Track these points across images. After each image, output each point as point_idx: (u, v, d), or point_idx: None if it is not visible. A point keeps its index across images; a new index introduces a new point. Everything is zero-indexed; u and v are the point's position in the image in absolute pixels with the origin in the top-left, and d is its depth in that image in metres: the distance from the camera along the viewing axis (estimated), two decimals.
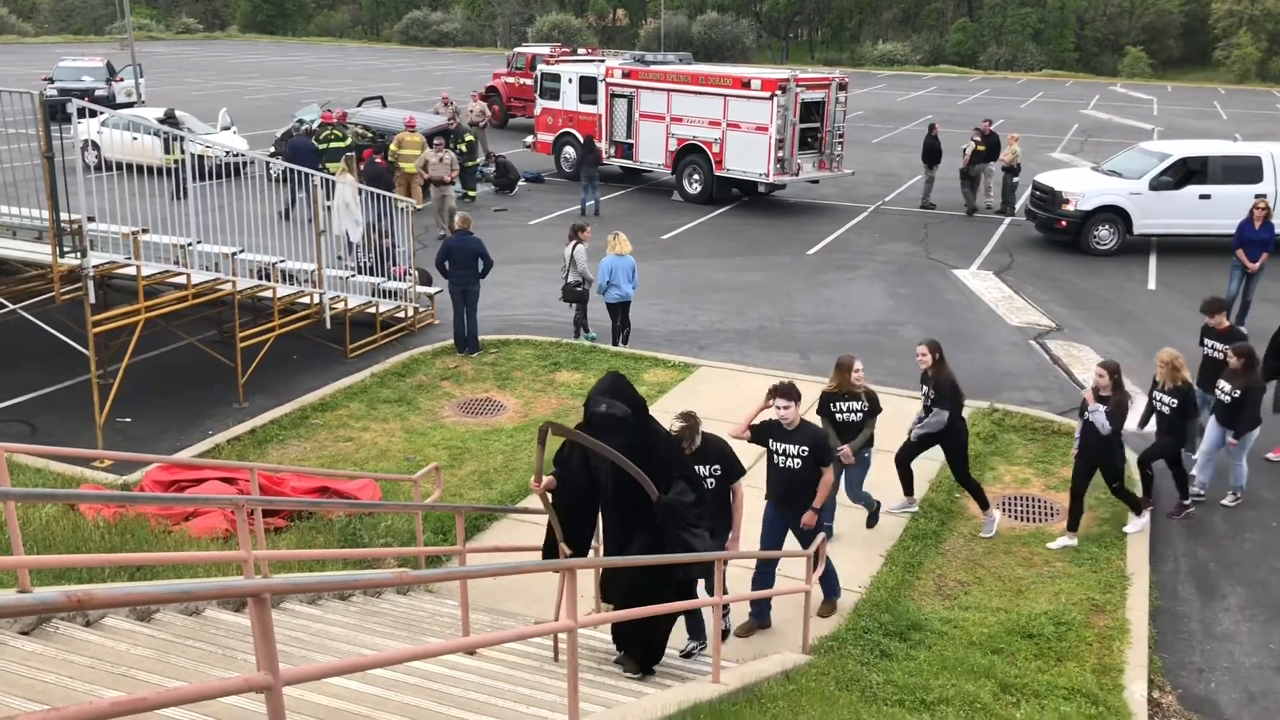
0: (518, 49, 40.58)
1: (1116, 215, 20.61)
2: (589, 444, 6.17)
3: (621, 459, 6.15)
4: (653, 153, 25.75)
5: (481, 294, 14.86)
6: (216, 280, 12.72)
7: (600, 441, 6.22)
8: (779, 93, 23.29)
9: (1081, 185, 21.23)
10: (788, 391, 8.24)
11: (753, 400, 9.13)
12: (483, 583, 8.39)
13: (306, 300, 14.04)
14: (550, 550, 6.70)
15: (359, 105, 28.22)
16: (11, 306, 12.05)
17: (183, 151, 13.39)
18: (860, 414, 9.62)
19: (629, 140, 26.15)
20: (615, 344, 14.95)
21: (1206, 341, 11.55)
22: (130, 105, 34.48)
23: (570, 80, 27.31)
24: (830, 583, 8.65)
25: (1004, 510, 10.57)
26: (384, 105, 28.74)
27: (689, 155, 25.10)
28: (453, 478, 10.89)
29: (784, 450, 8.24)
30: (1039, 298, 17.78)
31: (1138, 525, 10.10)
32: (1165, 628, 8.68)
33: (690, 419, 7.65)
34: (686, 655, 7.62)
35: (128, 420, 12.15)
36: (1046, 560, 9.65)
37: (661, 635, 7.03)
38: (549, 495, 6.50)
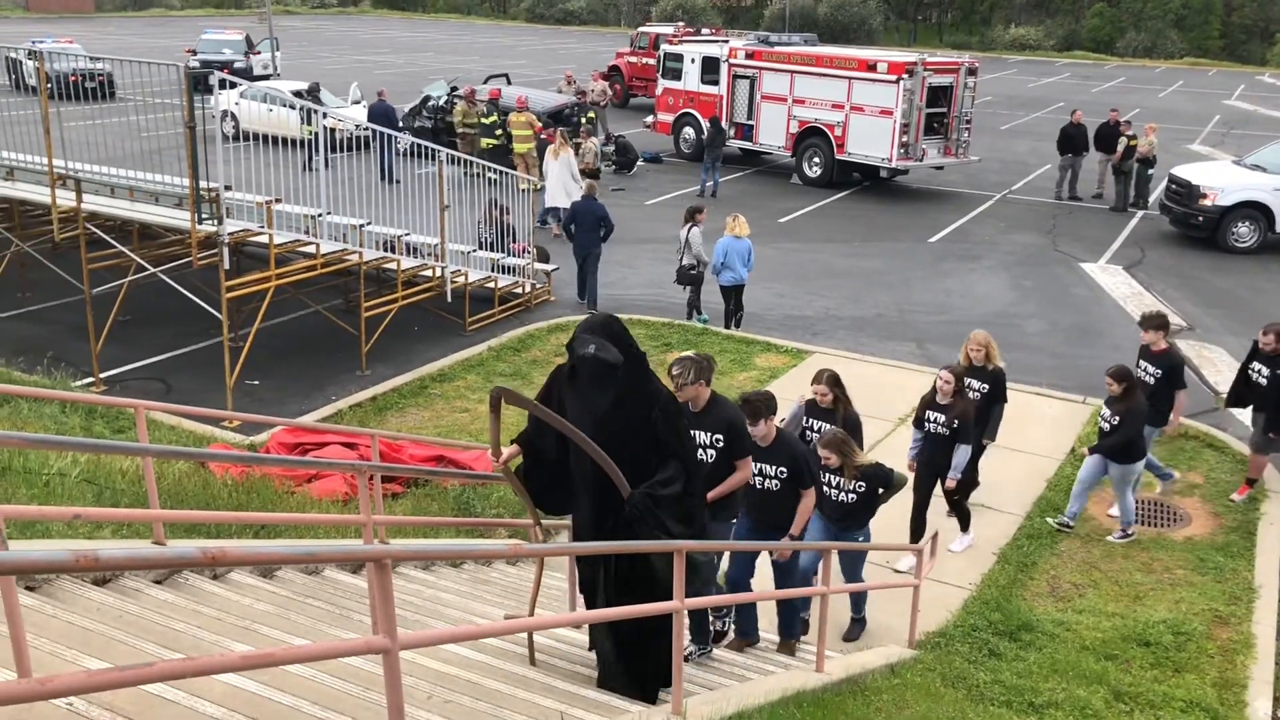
0: (641, 28, 40.59)
1: (1258, 212, 19.69)
2: (545, 416, 5.04)
3: (581, 437, 4.95)
4: (773, 135, 25.53)
5: (597, 272, 15.08)
6: (344, 251, 13.09)
7: (584, 396, 5.21)
8: (906, 76, 22.85)
9: (1221, 179, 20.33)
10: (756, 409, 6.97)
11: (866, 391, 9.03)
12: None
13: (429, 273, 14.36)
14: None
15: (484, 83, 28.59)
16: (152, 270, 12.61)
17: (314, 125, 13.77)
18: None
19: (750, 122, 25.97)
20: (728, 327, 14.92)
21: (1140, 363, 10.28)
22: (266, 78, 35.56)
23: (693, 60, 27.23)
24: (791, 621, 7.53)
25: None
26: (509, 83, 29.06)
27: (810, 138, 24.82)
28: None
29: (760, 470, 7.05)
30: (1170, 295, 17.12)
31: (963, 543, 9.45)
32: None
33: (700, 357, 6.61)
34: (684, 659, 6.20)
35: (256, 383, 12.60)
36: (1167, 567, 9.32)
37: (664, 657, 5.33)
38: (516, 470, 5.53)
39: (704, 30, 40.43)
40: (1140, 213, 22.94)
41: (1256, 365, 10.32)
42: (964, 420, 8.76)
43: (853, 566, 8.00)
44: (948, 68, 24.21)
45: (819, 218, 22.15)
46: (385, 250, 13.89)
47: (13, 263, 14.59)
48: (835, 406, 8.19)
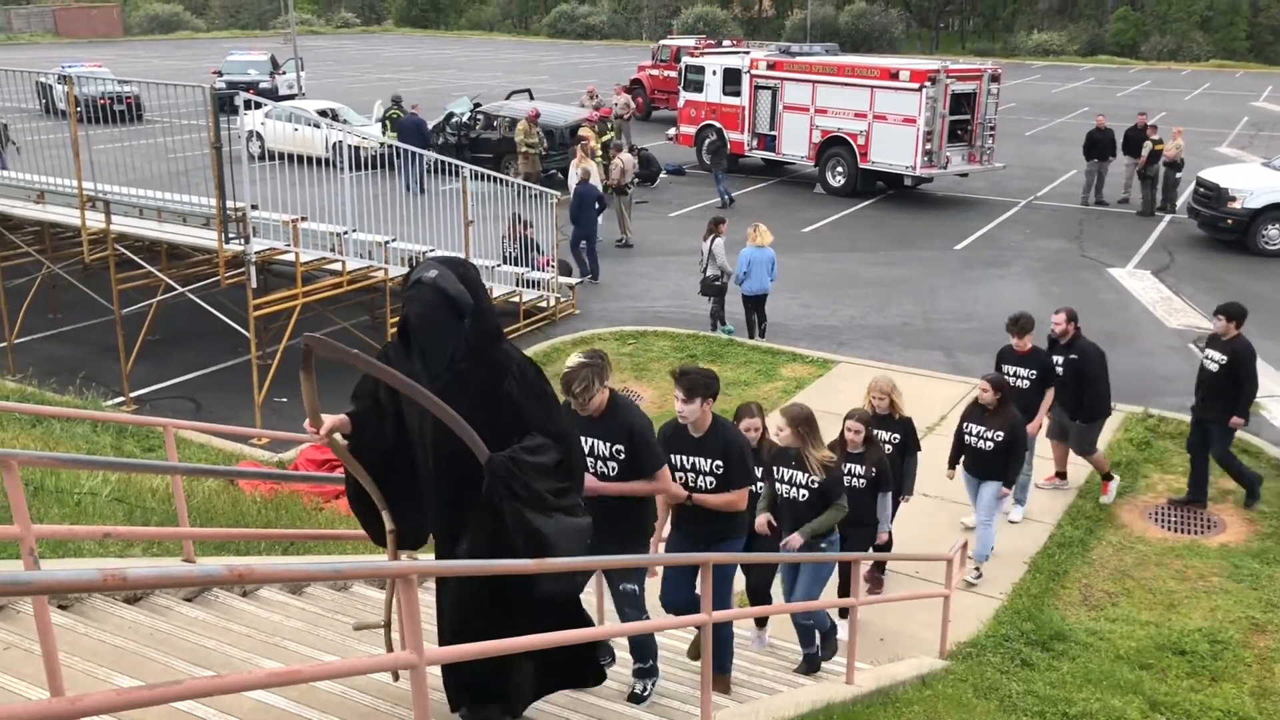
0: (662, 41, 40.70)
1: None
2: (376, 371, 3.85)
3: (424, 394, 3.82)
4: (796, 145, 25.51)
5: (620, 285, 15.27)
6: (370, 268, 13.18)
7: (416, 362, 4.17)
8: (928, 84, 22.79)
9: (1250, 182, 20.13)
10: (690, 386, 5.82)
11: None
12: None
13: None
14: (372, 523, 4.38)
15: (507, 98, 28.75)
16: (180, 289, 12.74)
17: (387, 128, 13.88)
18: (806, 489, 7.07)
19: (772, 132, 25.97)
20: (752, 337, 14.90)
21: (1005, 367, 9.66)
22: (291, 97, 35.89)
23: (714, 72, 27.27)
24: (724, 653, 6.16)
25: (1157, 520, 10.13)
26: (531, 98, 29.20)
27: (833, 147, 24.78)
28: None
29: (691, 465, 5.95)
30: (1199, 299, 16.95)
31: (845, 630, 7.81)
32: None
33: (593, 358, 5.27)
34: (637, 700, 5.52)
35: (284, 400, 12.69)
36: (1202, 574, 9.21)
37: (528, 682, 4.57)
38: (341, 440, 4.23)
39: (725, 42, 40.48)
40: (1168, 217, 22.74)
41: (1008, 368, 9.70)
42: (881, 468, 7.81)
43: (811, 581, 7.05)
44: (971, 74, 24.13)
45: (843, 227, 22.10)
46: (411, 266, 13.96)
47: (44, 284, 14.77)
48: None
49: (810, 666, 7.13)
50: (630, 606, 5.58)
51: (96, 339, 14.56)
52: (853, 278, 18.28)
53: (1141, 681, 7.39)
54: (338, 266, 12.90)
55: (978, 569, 9.01)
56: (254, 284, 11.94)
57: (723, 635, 6.10)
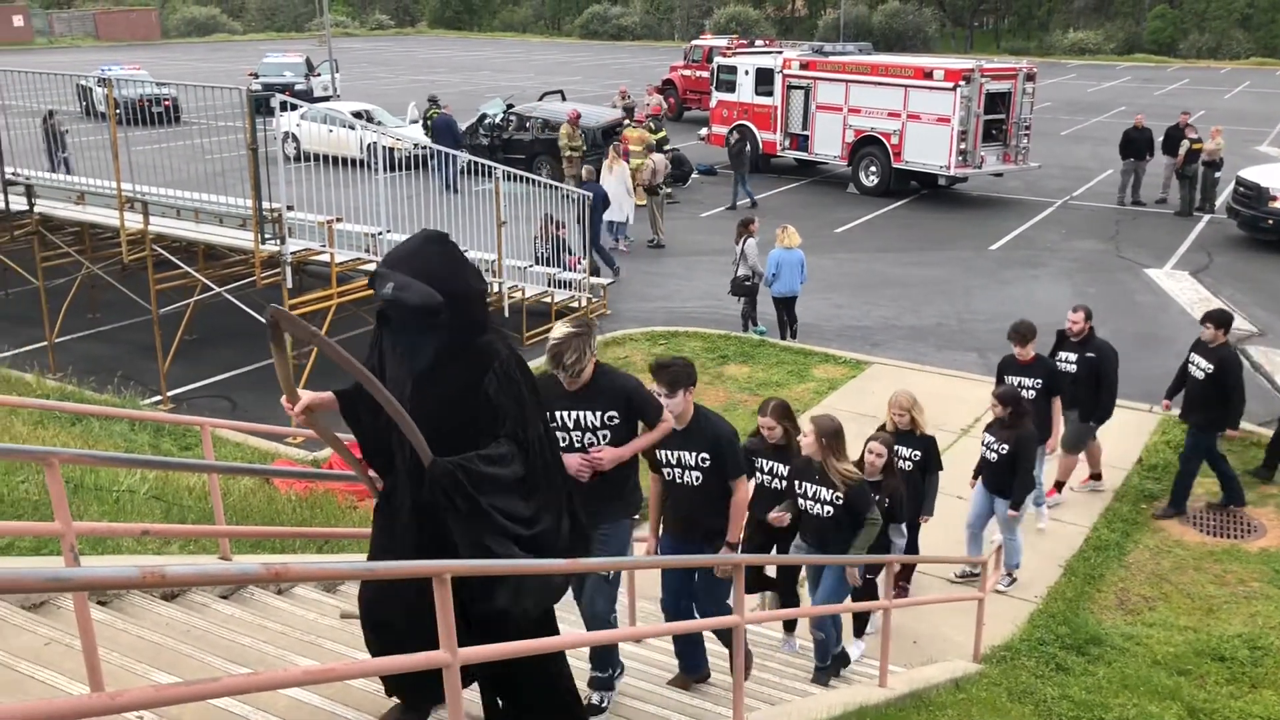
0: (695, 41, 40.67)
1: None
2: (330, 351, 3.48)
3: (372, 382, 3.53)
4: (829, 144, 25.42)
5: (651, 285, 15.32)
6: None
7: (398, 349, 3.89)
8: (963, 83, 22.65)
9: None
10: (671, 378, 5.50)
11: (927, 402, 8.87)
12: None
13: None
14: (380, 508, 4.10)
15: (540, 99, 28.83)
16: (217, 289, 12.87)
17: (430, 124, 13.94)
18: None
19: (804, 132, 25.89)
20: (783, 338, 14.86)
21: (1008, 378, 9.32)
22: (326, 99, 36.17)
23: (746, 72, 27.22)
24: (693, 653, 5.95)
25: (1195, 525, 10.00)
26: (563, 99, 29.27)
27: (866, 147, 24.68)
28: None
29: (677, 459, 5.65)
30: (1239, 300, 16.73)
31: (859, 649, 7.85)
32: None
33: (581, 326, 5.01)
34: (595, 712, 5.16)
35: None
36: (1241, 579, 9.09)
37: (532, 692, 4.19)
38: (320, 419, 3.94)
39: (758, 42, 40.38)
40: (1207, 217, 22.46)
41: (1012, 379, 9.37)
42: (896, 498, 7.42)
43: (832, 592, 6.76)
44: (1005, 74, 23.95)
45: (876, 227, 22.00)
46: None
47: (84, 284, 14.96)
48: (787, 441, 6.98)
49: (825, 675, 6.85)
50: (602, 596, 5.20)
51: (134, 338, 14.74)
52: (886, 278, 18.19)
53: (1180, 687, 7.29)
54: (372, 267, 12.97)
55: (1011, 575, 8.86)
56: (289, 284, 12.04)
57: (695, 639, 5.94)
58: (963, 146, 22.98)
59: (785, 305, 14.74)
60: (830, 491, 6.51)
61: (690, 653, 5.90)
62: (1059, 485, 10.25)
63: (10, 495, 6.40)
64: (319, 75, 40.51)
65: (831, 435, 6.56)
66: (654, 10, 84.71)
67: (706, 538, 5.68)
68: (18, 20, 72.77)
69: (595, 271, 16.76)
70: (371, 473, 4.13)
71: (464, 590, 3.59)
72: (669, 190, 23.56)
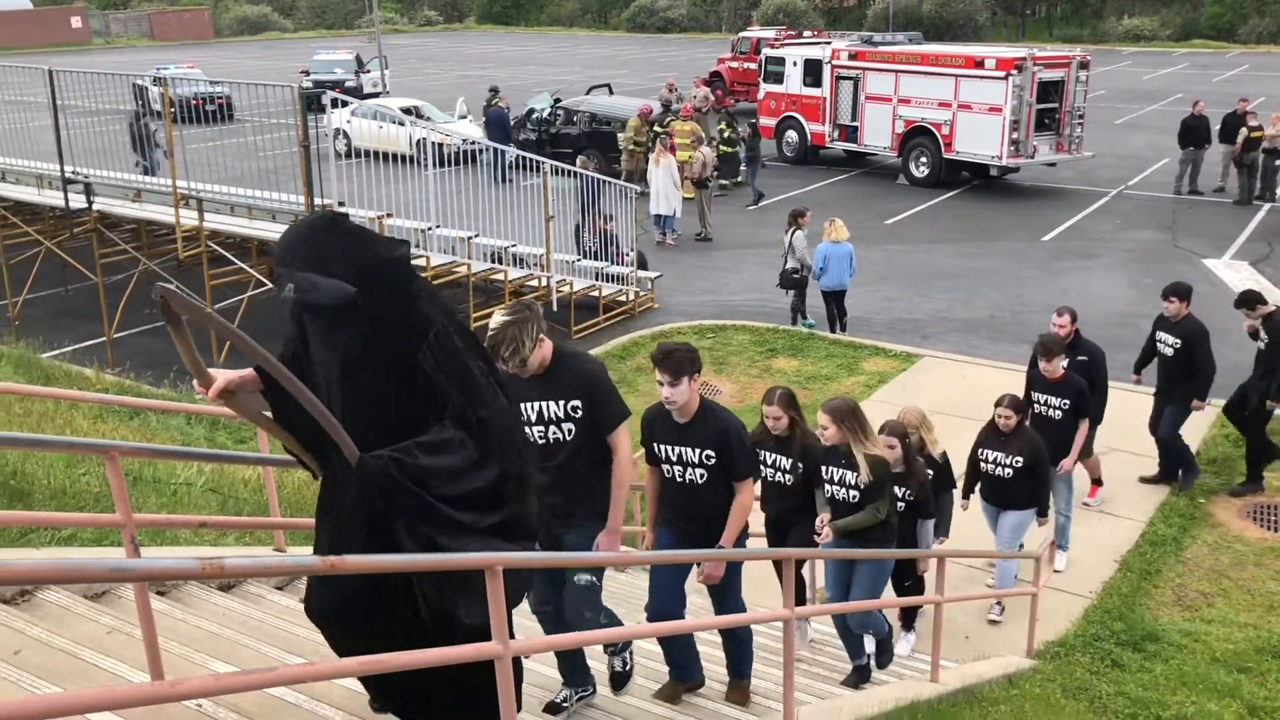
0: (742, 33, 40.50)
1: None
2: (228, 334, 3.00)
3: (279, 369, 3.09)
4: (878, 135, 25.21)
5: (699, 278, 15.45)
6: (453, 263, 13.35)
7: (321, 333, 3.33)
8: (1014, 72, 22.34)
9: None
10: (675, 366, 5.06)
11: (979, 395, 8.79)
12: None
13: (535, 283, 14.54)
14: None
15: (587, 93, 28.86)
16: (270, 284, 13.03)
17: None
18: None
19: (854, 123, 25.69)
20: (833, 331, 14.76)
21: (1034, 395, 8.67)
22: (376, 95, 36.47)
23: (794, 63, 27.05)
24: (742, 656, 5.65)
25: (1255, 520, 9.81)
26: (611, 93, 29.29)
27: (916, 137, 24.44)
28: None
29: (678, 455, 5.25)
30: None
31: (909, 643, 7.78)
32: None
33: (518, 311, 4.57)
34: (554, 710, 4.85)
35: None
36: None
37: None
38: (243, 400, 3.42)
39: (806, 33, 40.12)
40: (1267, 205, 21.97)
41: (1039, 396, 8.76)
42: (923, 492, 7.10)
43: (871, 583, 6.40)
44: (1058, 62, 23.61)
45: (927, 218, 21.78)
46: (493, 262, 14.12)
47: (141, 280, 15.23)
48: (792, 432, 6.40)
49: (860, 678, 6.49)
50: (588, 607, 4.74)
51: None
52: (937, 270, 18.01)
53: (1239, 685, 7.17)
54: (422, 262, 13.08)
55: (999, 604, 8.28)
56: None
57: (743, 637, 5.58)
58: (1015, 136, 22.68)
59: (834, 299, 14.64)
60: (856, 475, 6.12)
61: (683, 656, 5.41)
62: (1098, 482, 9.97)
63: (73, 488, 6.54)
64: (369, 72, 40.84)
65: (849, 415, 6.14)
66: (701, 2, 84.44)
67: (707, 541, 5.23)
68: (76, 22, 74.12)
69: (643, 265, 16.75)
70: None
71: (414, 595, 3.27)
72: (727, 181, 23.52)
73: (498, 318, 4.53)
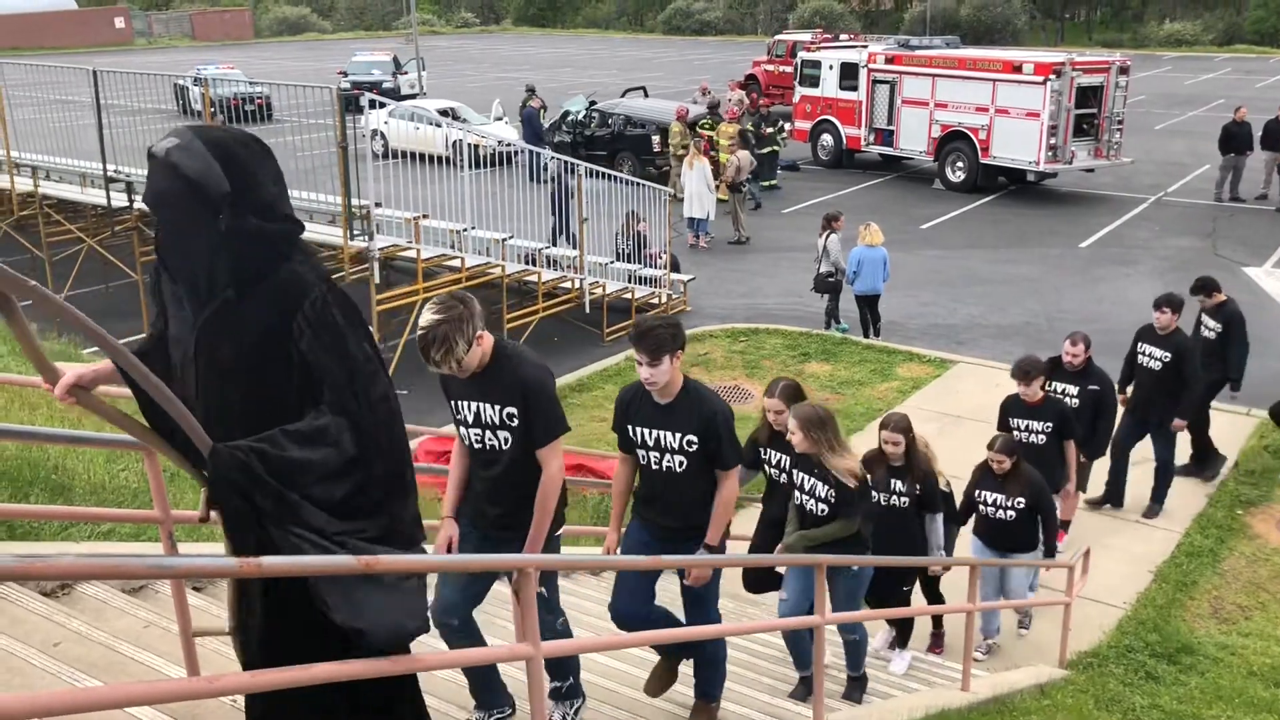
0: (778, 36, 40.42)
1: None
2: (55, 308, 2.50)
3: (116, 347, 2.56)
4: (914, 140, 25.08)
5: (732, 282, 15.36)
6: (488, 265, 13.43)
7: (177, 290, 2.90)
8: (1053, 77, 22.17)
9: None
10: (654, 343, 4.54)
11: None
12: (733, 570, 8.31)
13: (568, 285, 14.59)
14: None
15: (622, 96, 28.91)
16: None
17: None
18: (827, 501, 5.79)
19: (890, 127, 25.59)
20: (866, 336, 14.71)
21: (1014, 420, 8.24)
22: (413, 96, 36.70)
23: (830, 67, 26.98)
24: (711, 676, 5.13)
25: None
26: (646, 95, 29.32)
27: (953, 142, 24.30)
28: None
29: (655, 440, 4.78)
30: None
31: (904, 662, 7.32)
32: None
33: (449, 307, 4.04)
34: None
35: (405, 392, 12.92)
36: None
37: None
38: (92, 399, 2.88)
39: (842, 36, 39.98)
40: None
41: (1017, 421, 8.33)
42: (927, 486, 6.78)
43: (846, 594, 5.88)
44: (1097, 67, 23.39)
45: (963, 223, 21.65)
46: (527, 263, 14.19)
47: None
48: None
49: (859, 689, 6.14)
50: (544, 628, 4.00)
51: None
52: (973, 275, 17.90)
53: (1276, 700, 7.07)
54: (457, 263, 13.17)
55: (989, 643, 7.87)
56: (377, 279, 12.26)
57: (714, 656, 5.04)
58: (1053, 141, 22.50)
59: (868, 303, 14.59)
60: (826, 488, 5.64)
61: (716, 672, 5.03)
62: (1064, 526, 9.10)
63: (111, 483, 6.62)
64: (406, 73, 41.10)
65: (816, 425, 5.58)
66: (737, 5, 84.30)
67: (690, 536, 4.82)
68: (119, 22, 75.11)
69: (675, 267, 16.76)
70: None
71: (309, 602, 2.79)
72: (773, 181, 23.52)
73: (427, 315, 4.03)
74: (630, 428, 4.81)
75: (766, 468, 6.24)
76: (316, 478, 2.77)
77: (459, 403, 4.32)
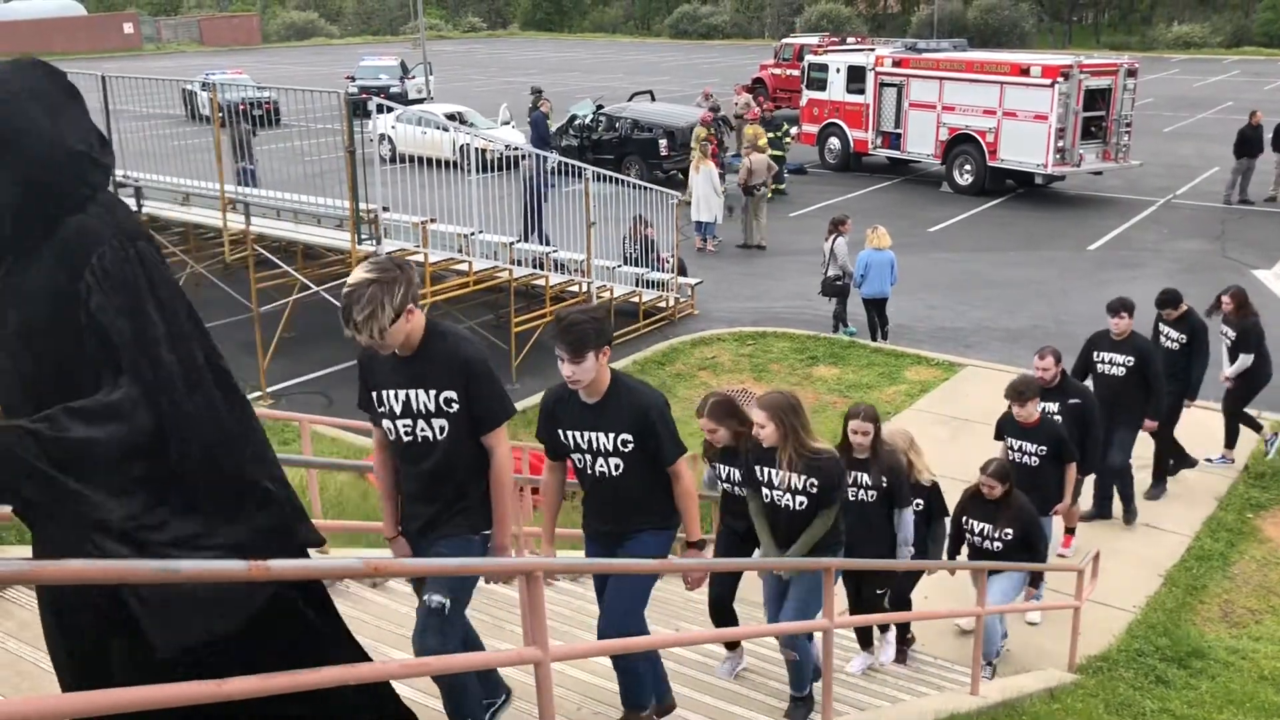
0: (785, 40, 40.44)
1: None
2: None
3: None
4: (922, 143, 25.07)
5: (740, 285, 15.24)
6: (495, 269, 13.44)
7: None
8: (1061, 79, 22.14)
9: None
10: (578, 339, 4.11)
11: None
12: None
13: (575, 288, 14.60)
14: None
15: (629, 100, 28.93)
16: (315, 288, 13.17)
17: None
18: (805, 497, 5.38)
19: (897, 130, 25.58)
20: (874, 339, 14.69)
21: (1009, 440, 8.02)
22: (420, 101, 36.77)
23: (838, 70, 26.97)
24: (636, 687, 4.60)
25: None
26: (653, 99, 29.33)
27: (960, 145, 24.28)
28: None
29: (588, 442, 4.41)
30: None
31: (861, 663, 6.91)
32: None
33: (385, 269, 3.66)
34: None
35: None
36: None
37: None
38: None
39: (849, 39, 39.99)
40: None
41: (1012, 441, 8.09)
42: (894, 478, 6.37)
43: (805, 595, 5.51)
44: (1105, 69, 23.36)
45: (971, 226, 21.62)
46: (534, 267, 14.20)
47: (188, 283, 15.44)
48: (736, 441, 5.71)
49: (806, 709, 5.54)
50: (434, 632, 3.71)
51: (235, 335, 15.14)
52: (980, 279, 17.87)
53: None
54: (464, 267, 13.18)
55: (991, 665, 7.42)
56: None
57: (641, 668, 4.59)
58: (1061, 144, 22.47)
59: (875, 306, 14.57)
60: (805, 478, 5.24)
61: (637, 680, 4.56)
62: (1071, 531, 9.24)
63: None
64: (413, 78, 41.17)
65: (788, 411, 5.24)
66: (744, 9, 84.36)
67: (637, 530, 4.50)
68: (128, 28, 75.40)
69: (683, 271, 16.76)
70: None
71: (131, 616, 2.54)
72: (780, 186, 23.48)
73: (357, 273, 3.60)
74: (560, 431, 4.42)
75: (720, 482, 5.97)
76: (100, 462, 2.40)
77: (384, 393, 3.86)
